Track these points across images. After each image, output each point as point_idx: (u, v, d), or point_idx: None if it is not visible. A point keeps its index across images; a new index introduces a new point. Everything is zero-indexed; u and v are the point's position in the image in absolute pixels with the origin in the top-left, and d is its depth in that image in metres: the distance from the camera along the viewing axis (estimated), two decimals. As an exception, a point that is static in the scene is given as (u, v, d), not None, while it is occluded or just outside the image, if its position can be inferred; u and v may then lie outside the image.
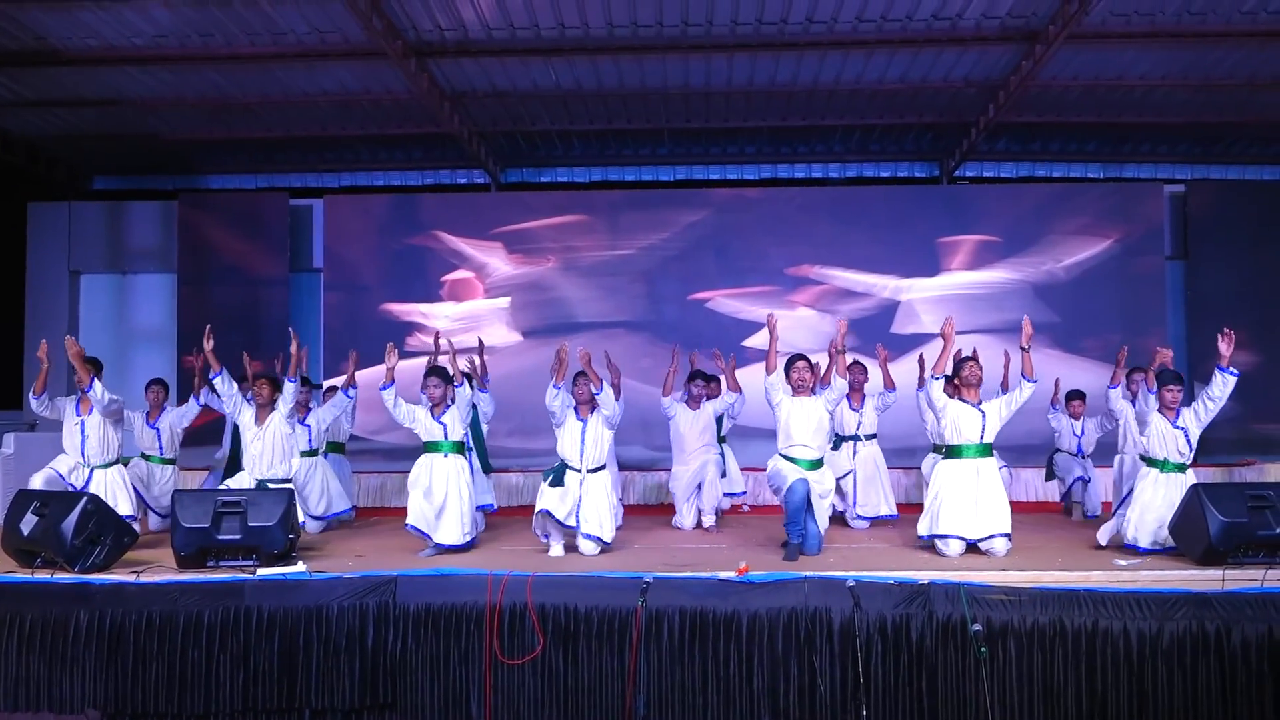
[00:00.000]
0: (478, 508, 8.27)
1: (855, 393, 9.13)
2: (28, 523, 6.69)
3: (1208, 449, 11.88)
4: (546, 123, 12.72)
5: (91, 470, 8.13)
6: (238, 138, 13.01)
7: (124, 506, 8.01)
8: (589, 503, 7.56)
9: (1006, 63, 10.93)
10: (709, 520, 9.19)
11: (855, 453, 9.20)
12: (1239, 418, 12.12)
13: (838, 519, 8.85)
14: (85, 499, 6.64)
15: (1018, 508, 10.39)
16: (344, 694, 5.93)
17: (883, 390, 9.37)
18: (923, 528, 7.42)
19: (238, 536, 6.60)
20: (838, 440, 9.16)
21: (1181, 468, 7.31)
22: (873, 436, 9.36)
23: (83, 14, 9.70)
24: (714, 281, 12.93)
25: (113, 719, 6.01)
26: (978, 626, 5.60)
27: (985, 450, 7.42)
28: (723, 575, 6.03)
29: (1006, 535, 7.27)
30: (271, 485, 7.57)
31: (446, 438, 7.72)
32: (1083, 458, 9.75)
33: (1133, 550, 7.18)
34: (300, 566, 6.51)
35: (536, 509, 7.55)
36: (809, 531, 7.40)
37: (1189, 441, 7.31)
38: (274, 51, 10.49)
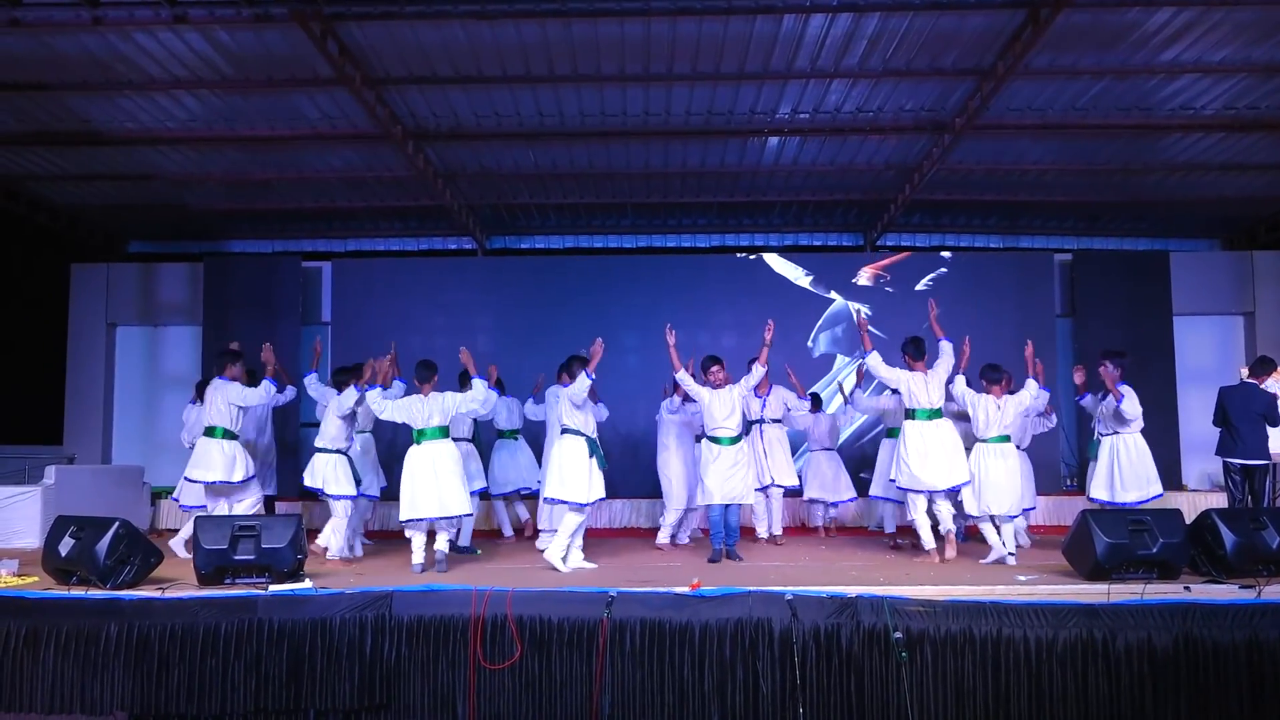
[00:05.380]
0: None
1: (761, 385, 9.29)
2: (65, 545, 6.58)
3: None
4: (526, 197, 12.77)
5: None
6: (256, 208, 12.98)
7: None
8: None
9: (919, 149, 11.11)
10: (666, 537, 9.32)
11: (762, 433, 9.48)
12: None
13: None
14: (117, 524, 6.53)
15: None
16: (344, 696, 5.83)
17: (800, 397, 9.93)
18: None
19: (252, 557, 6.49)
20: (748, 425, 9.18)
21: (1006, 439, 7.99)
22: (777, 421, 9.72)
23: (122, 101, 9.71)
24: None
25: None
26: (899, 635, 5.59)
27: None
28: (678, 590, 6.00)
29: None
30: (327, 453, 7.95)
31: (432, 424, 7.60)
32: None
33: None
34: (307, 583, 6.42)
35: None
36: (730, 525, 8.26)
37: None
38: (289, 134, 10.51)
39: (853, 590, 5.95)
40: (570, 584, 6.42)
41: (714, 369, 8.35)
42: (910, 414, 7.98)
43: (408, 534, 7.68)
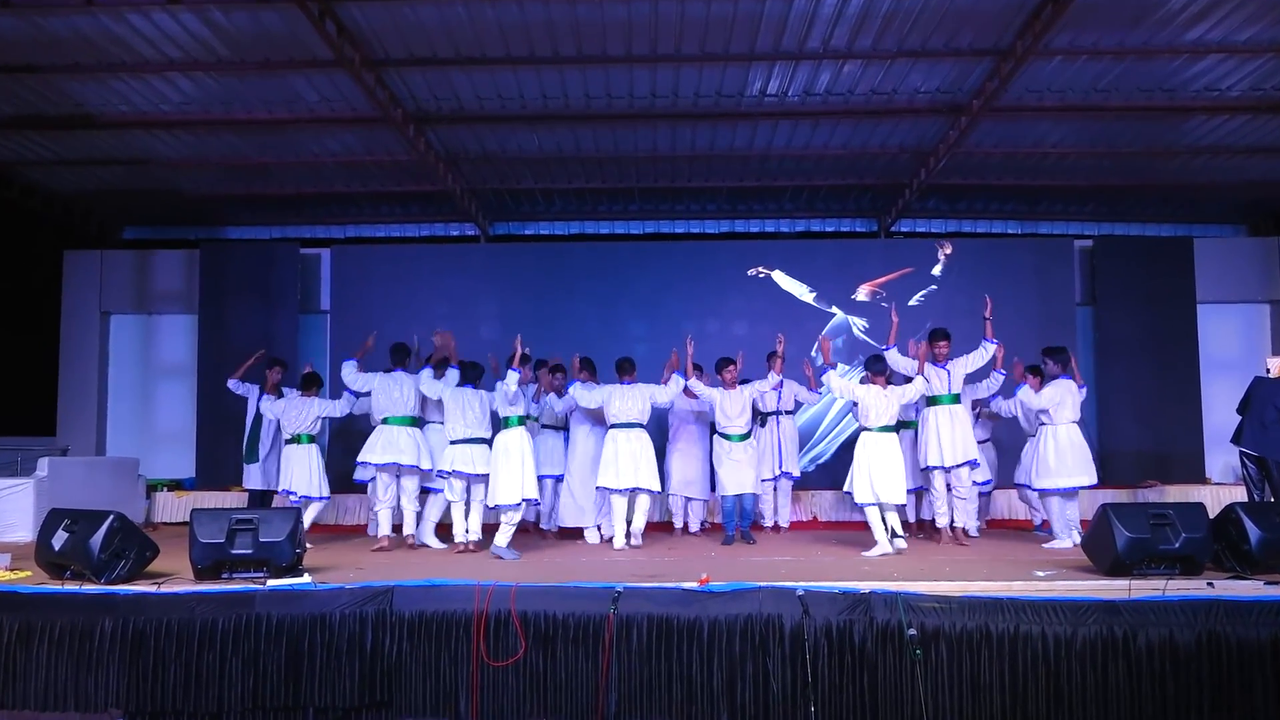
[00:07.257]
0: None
1: None
2: (59, 538, 6.60)
3: (1115, 472, 12.04)
4: (531, 182, 12.74)
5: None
6: (254, 194, 12.95)
7: (425, 461, 8.83)
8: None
9: (935, 132, 11.05)
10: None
11: (778, 424, 10.03)
12: (1142, 444, 12.22)
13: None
14: (111, 517, 6.54)
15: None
16: (345, 693, 5.85)
17: (810, 390, 10.17)
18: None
19: (250, 551, 6.51)
20: (763, 417, 9.87)
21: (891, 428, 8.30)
22: (790, 413, 10.22)
23: (116, 84, 9.69)
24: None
25: (134, 717, 5.90)
26: (913, 631, 5.59)
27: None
28: (686, 585, 6.00)
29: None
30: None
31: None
32: None
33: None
34: (306, 578, 6.43)
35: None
36: (745, 510, 9.08)
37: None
38: (288, 118, 10.49)
39: (866, 586, 5.95)
40: (575, 579, 6.42)
41: (728, 368, 9.03)
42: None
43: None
